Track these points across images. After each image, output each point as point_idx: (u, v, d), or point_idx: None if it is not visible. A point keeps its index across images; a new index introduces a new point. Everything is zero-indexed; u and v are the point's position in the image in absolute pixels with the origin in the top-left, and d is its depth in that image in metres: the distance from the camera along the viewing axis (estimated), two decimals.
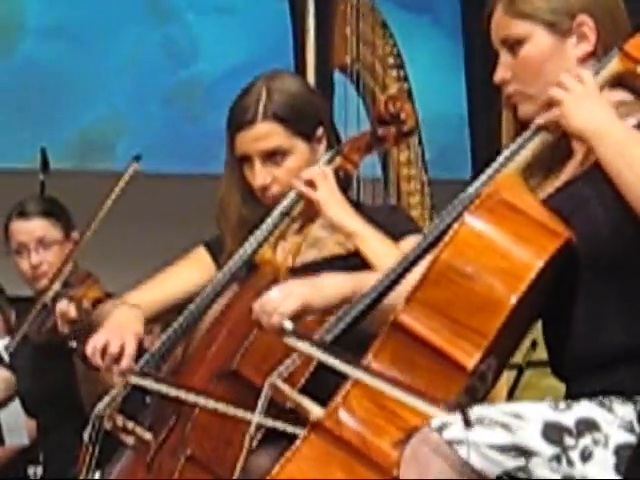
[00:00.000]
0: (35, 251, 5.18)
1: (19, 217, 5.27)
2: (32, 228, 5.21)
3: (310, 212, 3.60)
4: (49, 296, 4.83)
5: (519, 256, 2.66)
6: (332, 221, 3.56)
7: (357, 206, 3.74)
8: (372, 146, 3.83)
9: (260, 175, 3.69)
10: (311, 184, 3.55)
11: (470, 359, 2.60)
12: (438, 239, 2.76)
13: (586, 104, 2.71)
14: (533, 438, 2.55)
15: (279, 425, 3.03)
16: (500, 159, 2.82)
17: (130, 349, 3.67)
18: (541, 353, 3.29)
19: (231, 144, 3.79)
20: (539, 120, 2.79)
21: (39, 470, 5.73)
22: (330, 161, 3.62)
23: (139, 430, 3.61)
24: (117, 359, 3.67)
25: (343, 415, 2.68)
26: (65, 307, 4.26)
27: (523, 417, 2.59)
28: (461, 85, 8.03)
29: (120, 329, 3.69)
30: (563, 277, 2.74)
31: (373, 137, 3.76)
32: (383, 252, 3.44)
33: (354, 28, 5.16)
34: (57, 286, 4.85)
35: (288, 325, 2.88)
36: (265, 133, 3.71)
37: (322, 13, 5.33)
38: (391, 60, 5.16)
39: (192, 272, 3.92)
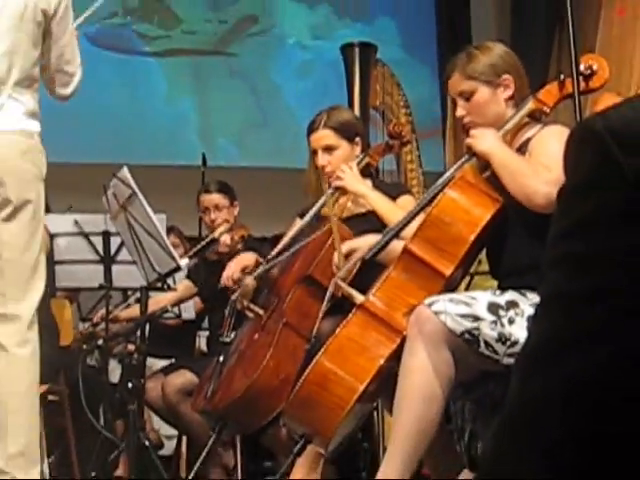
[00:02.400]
0: (213, 212, 6.20)
1: (205, 192, 6.30)
2: (211, 198, 6.22)
3: (343, 190, 4.69)
4: (219, 231, 5.81)
5: (476, 213, 3.74)
6: (355, 193, 4.69)
7: (375, 184, 4.89)
8: (386, 151, 5.16)
9: (321, 160, 4.83)
10: (338, 177, 4.63)
11: (447, 270, 3.70)
12: (428, 203, 3.89)
13: (485, 140, 3.78)
14: (482, 310, 3.56)
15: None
16: (460, 161, 3.91)
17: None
18: (484, 266, 4.30)
19: (308, 144, 4.99)
20: (467, 144, 3.85)
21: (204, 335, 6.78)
22: (362, 158, 4.84)
23: (256, 309, 4.83)
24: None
25: (374, 300, 3.74)
26: (226, 239, 5.61)
27: (476, 298, 3.62)
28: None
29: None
30: (498, 224, 3.76)
31: (387, 145, 5.13)
32: (386, 208, 4.58)
33: (381, 84, 6.29)
34: (222, 229, 5.85)
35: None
36: (323, 136, 4.90)
37: (364, 74, 6.35)
38: (401, 102, 6.23)
39: None
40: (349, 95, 6.63)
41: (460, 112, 3.95)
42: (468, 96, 3.92)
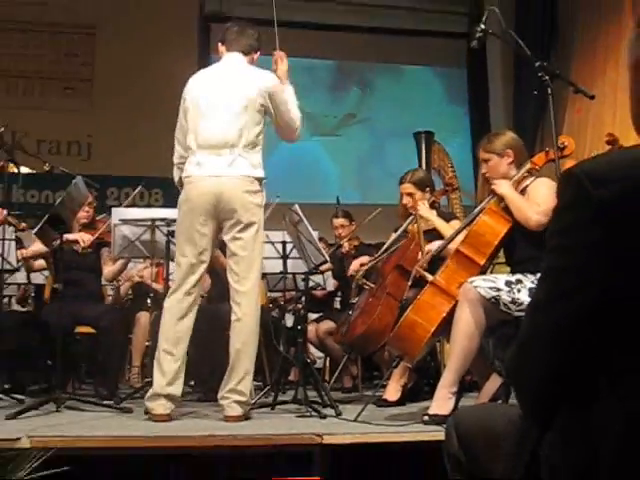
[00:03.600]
0: (340, 229, 6.05)
1: (335, 217, 6.09)
2: (339, 221, 6.10)
3: (420, 216, 4.51)
4: (344, 240, 5.84)
5: (497, 229, 3.69)
6: (426, 218, 4.48)
7: (438, 213, 4.63)
8: (444, 194, 5.03)
9: (404, 201, 4.76)
10: (414, 208, 4.56)
11: (481, 261, 3.68)
12: (469, 223, 3.84)
13: (502, 187, 3.72)
14: (501, 284, 3.52)
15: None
16: (487, 199, 3.82)
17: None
18: (501, 259, 4.01)
19: (399, 189, 4.83)
20: (491, 188, 3.79)
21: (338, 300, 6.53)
22: (430, 198, 4.68)
23: (369, 284, 4.79)
24: None
25: (439, 278, 3.68)
26: (346, 245, 5.69)
27: (498, 278, 3.58)
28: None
29: None
30: (510, 234, 3.69)
31: (444, 190, 5.05)
32: (444, 227, 4.41)
33: (437, 155, 6.39)
34: (345, 239, 5.85)
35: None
36: (407, 187, 4.79)
37: (427, 149, 6.50)
38: (449, 165, 6.29)
39: None
40: (419, 161, 6.70)
41: (482, 170, 3.97)
42: (487, 161, 3.92)
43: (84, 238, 4.03)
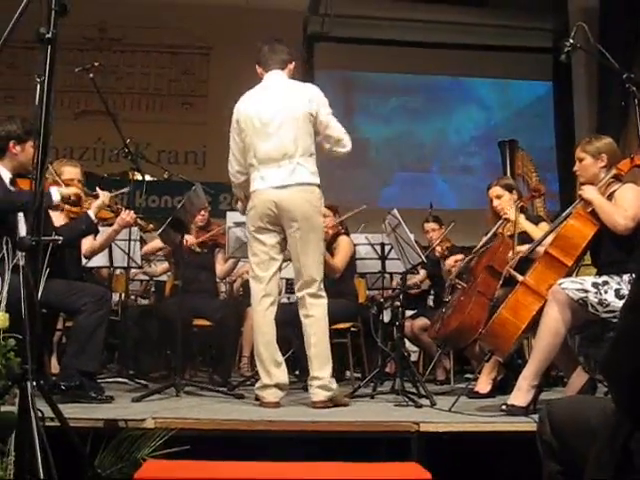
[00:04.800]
0: (431, 232, 6.03)
1: (426, 222, 6.10)
2: (430, 225, 6.10)
3: (508, 219, 4.44)
4: (436, 243, 5.69)
5: (585, 232, 3.61)
6: (515, 221, 4.32)
7: (526, 216, 4.53)
8: (531, 199, 5.02)
9: (494, 204, 4.62)
10: (504, 211, 4.46)
11: (569, 263, 3.61)
12: (557, 226, 3.78)
13: (589, 192, 3.63)
14: (588, 286, 3.44)
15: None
16: (575, 203, 3.75)
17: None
18: (588, 260, 3.90)
19: (487, 195, 4.74)
20: (579, 194, 3.70)
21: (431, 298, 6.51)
22: (518, 202, 4.51)
23: (462, 283, 4.73)
24: None
25: (529, 279, 3.61)
26: (438, 247, 5.61)
27: (585, 280, 3.49)
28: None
29: None
30: (597, 237, 3.61)
31: (532, 196, 4.98)
32: (533, 229, 4.35)
33: (521, 161, 6.21)
34: (437, 241, 5.71)
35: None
36: (496, 190, 4.70)
37: (512, 156, 6.34)
38: (533, 170, 6.09)
39: None
40: (504, 168, 6.60)
41: (575, 168, 3.87)
42: (581, 160, 3.83)
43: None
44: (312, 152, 3.94)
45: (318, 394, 3.81)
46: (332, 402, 3.81)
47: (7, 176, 3.83)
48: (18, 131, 3.79)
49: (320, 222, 3.98)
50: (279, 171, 3.87)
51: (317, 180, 3.93)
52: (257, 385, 3.94)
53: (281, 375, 3.91)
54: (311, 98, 3.96)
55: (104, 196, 4.26)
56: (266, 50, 4.10)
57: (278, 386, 3.88)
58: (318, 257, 3.96)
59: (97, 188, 4.28)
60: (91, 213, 4.16)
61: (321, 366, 3.85)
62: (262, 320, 3.93)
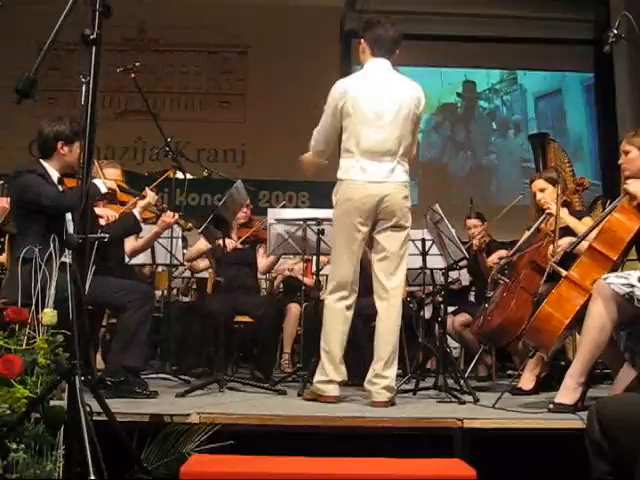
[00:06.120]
0: (473, 228, 5.92)
1: (468, 218, 6.02)
2: (472, 221, 5.99)
3: (551, 214, 4.39)
4: (476, 238, 5.67)
5: (629, 225, 3.59)
6: (558, 216, 4.20)
7: (569, 211, 4.55)
8: (575, 193, 4.88)
9: (537, 198, 4.61)
10: (549, 207, 4.38)
11: (614, 257, 3.57)
12: (601, 221, 3.74)
13: (634, 186, 3.60)
14: (634, 281, 3.39)
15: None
16: (620, 197, 3.72)
17: None
18: (633, 255, 3.85)
19: (530, 190, 4.75)
20: (624, 188, 3.67)
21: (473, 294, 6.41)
22: (561, 197, 4.36)
23: (504, 279, 4.68)
24: None
25: (573, 273, 3.59)
26: (476, 242, 5.59)
27: (630, 274, 3.42)
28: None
29: None
30: None
31: (576, 190, 4.79)
32: (576, 224, 4.34)
33: (554, 154, 6.03)
34: (477, 237, 5.69)
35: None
36: (539, 183, 4.68)
37: (543, 150, 6.34)
38: (567, 162, 5.88)
39: None
40: (536, 162, 6.57)
41: (620, 161, 3.83)
42: (627, 153, 3.79)
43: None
44: (410, 152, 3.95)
45: (382, 395, 3.78)
46: (390, 403, 3.80)
47: (55, 175, 3.89)
48: (66, 132, 3.84)
49: (410, 220, 3.95)
50: (381, 166, 3.84)
51: (409, 178, 3.93)
52: (319, 379, 3.92)
53: (345, 372, 3.93)
54: (420, 99, 3.95)
55: (151, 197, 4.29)
56: (382, 30, 3.94)
57: (340, 382, 3.92)
58: (406, 254, 3.97)
59: (146, 189, 4.32)
60: (137, 213, 4.20)
61: (389, 365, 3.83)
62: (338, 316, 3.90)
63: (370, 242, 3.99)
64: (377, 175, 3.82)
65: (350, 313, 3.90)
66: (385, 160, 3.84)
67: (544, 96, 10.43)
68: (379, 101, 3.86)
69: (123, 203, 4.27)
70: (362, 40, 3.98)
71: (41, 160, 3.88)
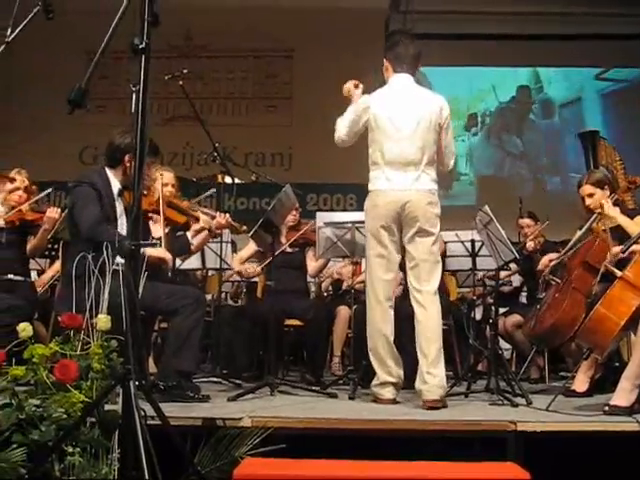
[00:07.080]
0: (526, 228, 5.88)
1: (520, 217, 5.97)
2: (524, 221, 5.94)
3: (604, 215, 4.29)
4: (529, 239, 5.60)
5: None
6: (609, 215, 4.24)
7: (621, 210, 4.42)
8: (627, 192, 4.81)
9: (587, 202, 4.54)
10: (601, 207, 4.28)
11: None
12: None
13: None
14: None
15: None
16: None
17: None
18: None
19: (579, 192, 4.65)
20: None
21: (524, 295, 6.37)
22: (614, 196, 4.40)
23: (556, 279, 4.61)
24: None
25: (628, 273, 3.60)
26: (530, 244, 5.57)
27: None
28: None
29: None
30: None
31: (628, 188, 4.66)
32: (629, 223, 4.24)
33: (605, 152, 6.13)
34: (530, 237, 5.61)
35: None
36: (587, 188, 4.58)
37: (593, 148, 6.28)
38: (618, 160, 6.03)
39: None
40: (586, 161, 6.47)
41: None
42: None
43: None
44: (435, 160, 4.03)
45: (433, 392, 3.78)
46: (442, 403, 3.80)
47: (116, 186, 3.95)
48: None
49: (438, 226, 4.02)
50: (406, 176, 3.95)
51: (437, 186, 4.01)
52: (373, 382, 4.02)
53: (400, 373, 4.00)
54: (442, 109, 4.04)
55: (221, 218, 4.50)
56: (402, 48, 4.13)
57: (396, 384, 3.98)
58: (437, 259, 4.04)
59: (218, 213, 4.48)
60: (189, 235, 4.35)
61: (436, 363, 3.86)
62: (383, 319, 4.00)
63: (403, 251, 4.08)
64: (401, 184, 3.94)
65: (387, 314, 4.00)
66: (409, 170, 3.95)
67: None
68: (398, 115, 3.99)
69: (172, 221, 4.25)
70: (384, 59, 4.17)
71: (106, 168, 3.94)
